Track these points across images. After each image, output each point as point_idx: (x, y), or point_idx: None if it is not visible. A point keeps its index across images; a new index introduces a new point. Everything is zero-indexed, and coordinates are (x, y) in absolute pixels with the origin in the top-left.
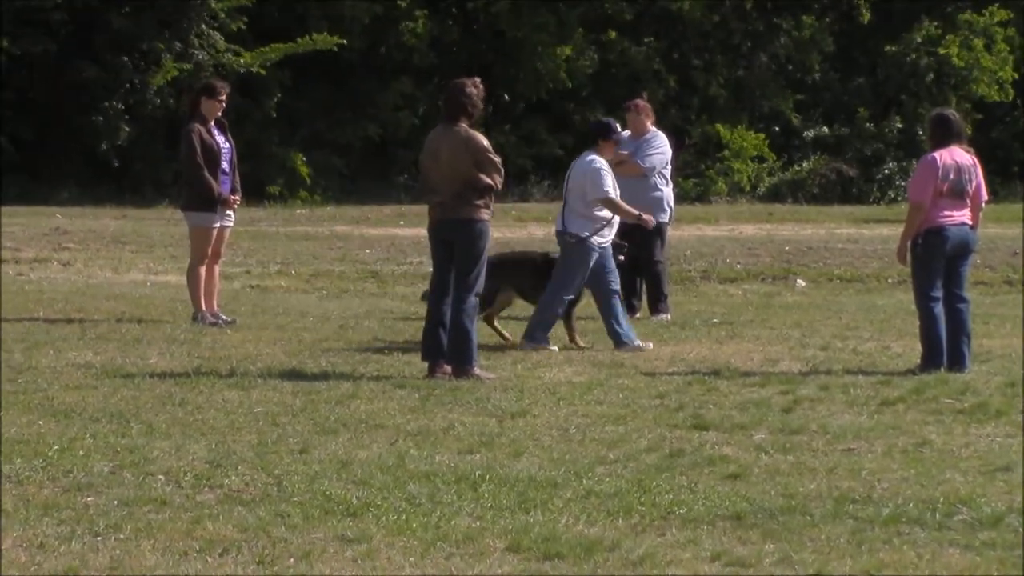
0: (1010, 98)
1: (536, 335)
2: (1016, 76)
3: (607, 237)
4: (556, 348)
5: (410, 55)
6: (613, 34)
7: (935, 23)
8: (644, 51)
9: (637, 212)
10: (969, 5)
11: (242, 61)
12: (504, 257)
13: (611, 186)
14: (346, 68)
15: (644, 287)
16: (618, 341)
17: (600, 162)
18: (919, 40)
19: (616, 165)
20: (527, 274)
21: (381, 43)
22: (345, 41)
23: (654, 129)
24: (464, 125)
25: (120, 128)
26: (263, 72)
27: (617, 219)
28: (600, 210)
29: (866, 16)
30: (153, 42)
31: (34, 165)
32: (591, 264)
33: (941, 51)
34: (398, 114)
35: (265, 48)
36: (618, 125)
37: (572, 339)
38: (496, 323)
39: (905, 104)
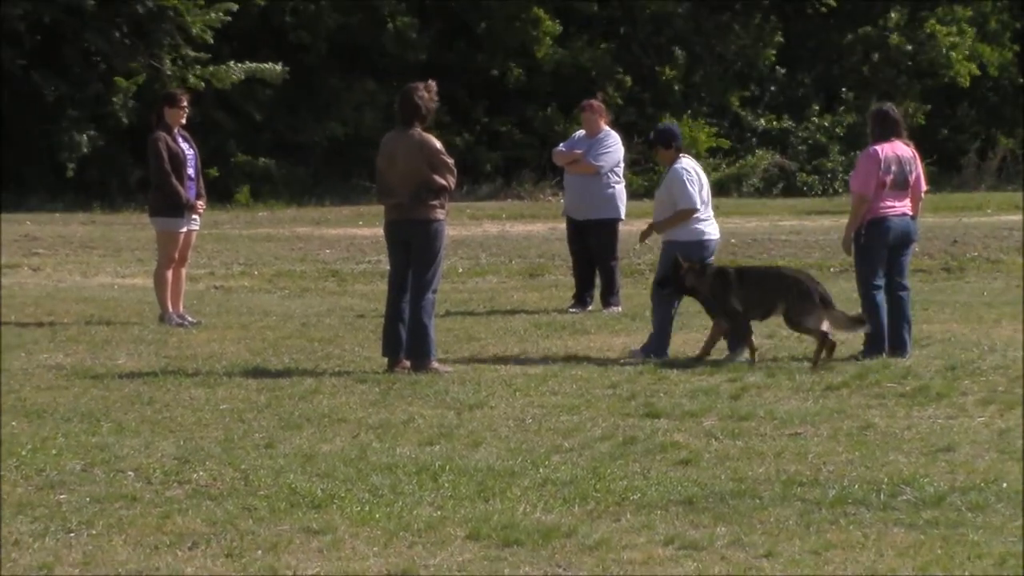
0: (968, 83)
1: None
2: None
3: None
4: None
5: (381, 57)
6: (577, 35)
7: (903, 9)
8: (599, 52)
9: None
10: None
11: (206, 77)
12: None
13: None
14: (312, 69)
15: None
16: None
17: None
18: (893, 23)
19: (569, 164)
20: None
21: (352, 44)
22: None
23: (607, 128)
24: (418, 128)
25: (87, 137)
26: (224, 87)
27: None
28: None
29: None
30: (121, 57)
31: (2, 174)
32: None
33: (928, 29)
34: (362, 112)
35: (229, 64)
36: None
37: None
38: None
39: (848, 99)
